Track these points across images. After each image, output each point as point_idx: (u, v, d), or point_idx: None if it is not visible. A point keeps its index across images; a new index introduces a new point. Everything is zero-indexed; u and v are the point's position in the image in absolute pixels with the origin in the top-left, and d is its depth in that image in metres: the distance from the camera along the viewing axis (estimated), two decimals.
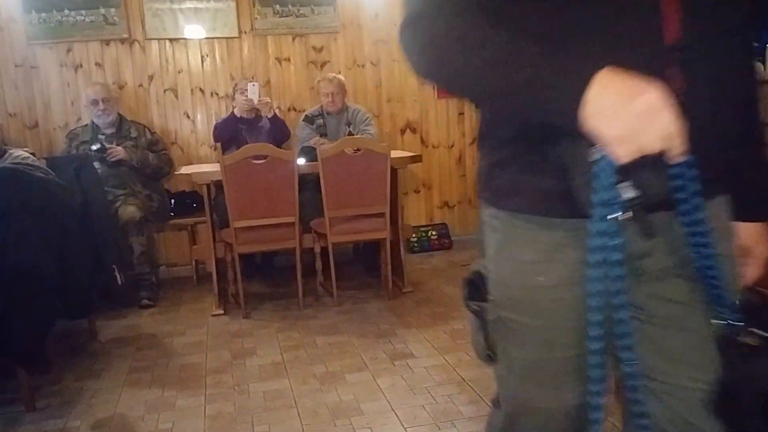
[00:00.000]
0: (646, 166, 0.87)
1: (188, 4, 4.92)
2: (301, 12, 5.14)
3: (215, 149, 4.60)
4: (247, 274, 4.56)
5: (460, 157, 5.64)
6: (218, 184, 4.03)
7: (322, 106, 4.76)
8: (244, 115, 4.63)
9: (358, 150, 4.06)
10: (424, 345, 3.46)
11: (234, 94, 4.70)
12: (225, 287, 4.37)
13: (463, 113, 5.58)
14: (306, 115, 4.81)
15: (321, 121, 4.75)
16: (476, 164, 1.23)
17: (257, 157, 3.89)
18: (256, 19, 5.06)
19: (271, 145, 4.07)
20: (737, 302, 1.07)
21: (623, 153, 0.87)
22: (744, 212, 1.19)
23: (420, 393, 2.90)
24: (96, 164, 4.11)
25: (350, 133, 4.63)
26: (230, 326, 3.94)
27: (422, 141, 5.53)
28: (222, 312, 4.16)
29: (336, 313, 4.06)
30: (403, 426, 2.61)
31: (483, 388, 2.91)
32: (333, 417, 2.72)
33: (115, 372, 3.33)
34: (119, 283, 3.72)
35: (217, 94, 5.09)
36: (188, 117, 5.08)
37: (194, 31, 4.96)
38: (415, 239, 5.46)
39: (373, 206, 4.10)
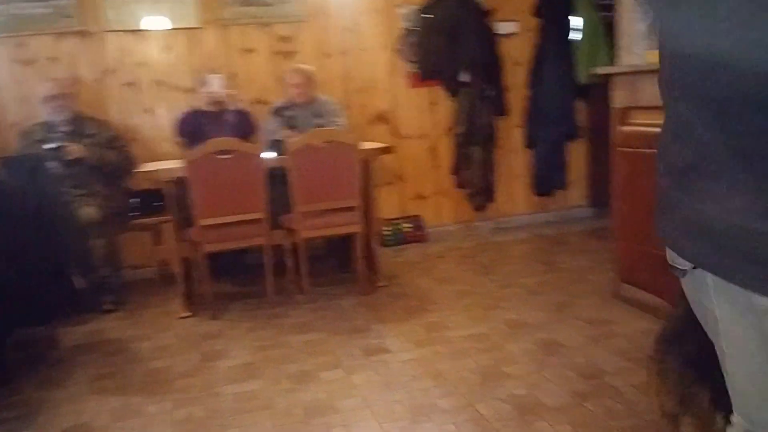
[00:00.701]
0: None
1: None
2: (266, 0, 5.10)
3: (178, 145, 4.55)
4: (215, 273, 4.50)
5: (433, 148, 5.64)
6: (182, 181, 3.98)
7: (290, 98, 4.73)
8: (208, 109, 4.59)
9: (327, 142, 4.04)
10: (399, 339, 3.46)
11: (198, 87, 4.65)
12: (192, 288, 4.33)
13: (435, 103, 5.59)
14: (273, 108, 4.77)
15: (289, 113, 4.72)
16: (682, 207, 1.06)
17: (222, 152, 3.85)
18: (220, 8, 5.01)
19: (236, 139, 4.03)
20: None
21: None
22: None
23: (396, 388, 2.90)
24: (52, 163, 4.04)
25: (320, 125, 4.60)
26: (198, 328, 3.90)
27: (394, 132, 5.53)
28: (189, 314, 4.12)
29: (309, 311, 4.04)
30: (378, 422, 2.61)
31: (459, 380, 2.92)
32: (307, 416, 2.71)
33: (78, 380, 3.28)
34: (80, 287, 3.67)
35: (179, 87, 5.03)
36: (149, 112, 5.01)
37: (155, 22, 4.90)
38: (389, 232, 5.45)
39: (344, 200, 4.09)
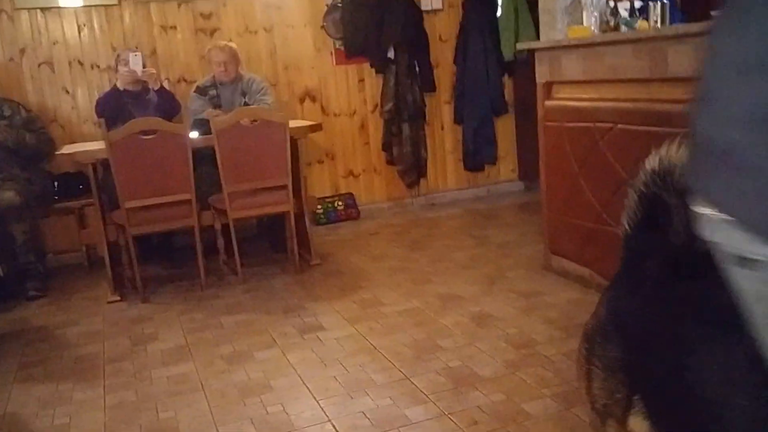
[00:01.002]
0: None
1: None
2: None
3: (99, 126, 4.43)
4: (144, 256, 4.44)
5: (363, 125, 5.67)
6: (105, 163, 3.89)
7: (214, 76, 4.66)
8: (129, 88, 4.48)
9: (254, 121, 4.01)
10: (333, 317, 3.50)
11: (116, 66, 4.53)
12: (120, 272, 4.25)
13: (363, 80, 5.60)
14: (197, 87, 4.70)
15: (214, 92, 4.65)
16: None
17: (145, 132, 3.78)
18: None
19: (159, 119, 3.96)
20: None
21: None
22: None
23: (331, 365, 2.94)
24: None
25: (246, 104, 4.56)
26: (128, 312, 3.85)
27: (323, 109, 5.52)
28: (118, 298, 4.05)
29: (241, 291, 4.03)
30: (315, 398, 2.65)
31: (394, 354, 2.98)
32: (242, 396, 2.72)
33: (2, 369, 3.19)
34: (1, 274, 3.56)
35: (98, 66, 4.90)
36: (67, 92, 4.86)
37: None
38: (321, 210, 5.47)
39: (273, 179, 4.08)
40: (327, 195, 5.58)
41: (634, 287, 1.41)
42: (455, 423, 2.40)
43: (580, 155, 3.50)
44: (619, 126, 3.18)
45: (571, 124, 3.51)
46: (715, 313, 1.10)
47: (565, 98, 3.60)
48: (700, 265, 1.01)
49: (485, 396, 2.57)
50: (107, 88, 4.65)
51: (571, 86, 3.56)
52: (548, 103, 3.71)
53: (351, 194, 5.65)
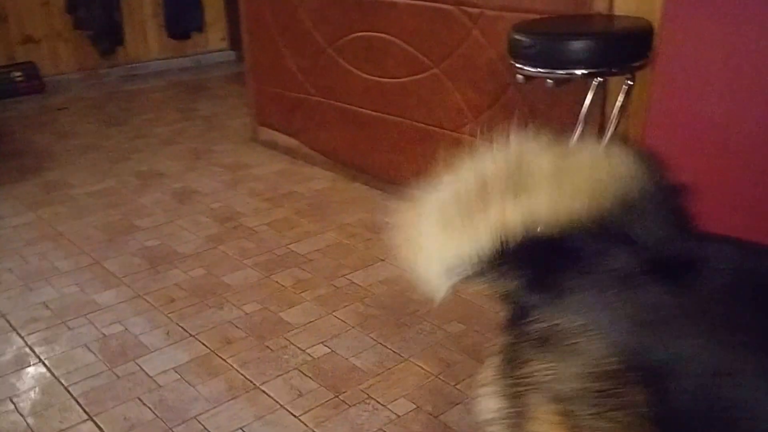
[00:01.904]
0: None
1: None
2: None
3: None
4: None
5: None
6: None
7: None
8: None
9: None
10: (11, 203, 3.20)
11: None
12: None
13: None
14: None
15: None
16: None
17: None
18: None
19: None
20: None
21: None
22: None
23: (7, 256, 2.71)
24: None
25: None
26: None
27: None
28: None
29: None
30: None
31: (83, 239, 2.83)
32: None
33: None
34: None
35: None
36: None
37: None
38: None
39: None
40: (1, 65, 4.95)
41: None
42: (150, 303, 2.36)
43: (280, 22, 3.48)
44: None
45: None
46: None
47: None
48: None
49: (184, 273, 2.56)
50: None
51: None
52: None
53: (32, 63, 5.07)
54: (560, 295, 0.92)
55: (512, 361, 0.95)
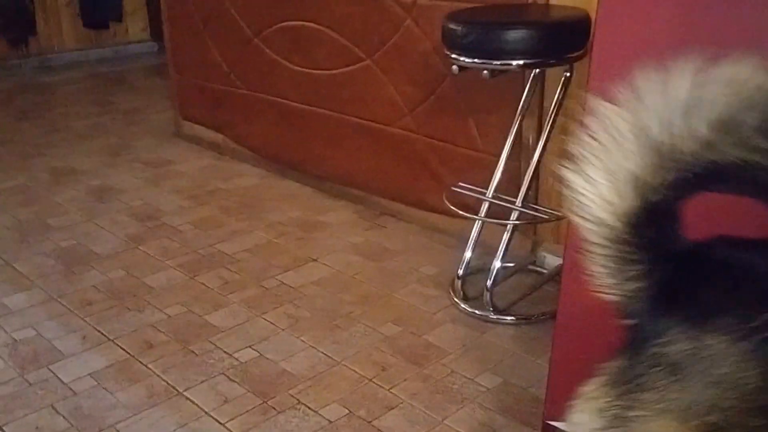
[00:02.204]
0: None
1: None
2: None
3: None
4: None
5: None
6: None
7: None
8: None
9: None
10: None
11: None
12: None
13: None
14: None
15: None
16: None
17: None
18: None
19: None
20: None
21: None
22: None
23: None
24: None
25: None
26: None
27: None
28: None
29: None
30: None
31: None
32: None
33: None
34: None
35: None
36: None
37: None
38: None
39: None
40: None
41: None
42: (65, 306, 2.24)
43: (204, 11, 3.37)
44: None
45: None
46: None
47: None
48: None
49: (102, 274, 2.44)
50: None
51: None
52: None
53: None
54: (703, 315, 0.80)
55: (633, 384, 0.84)
